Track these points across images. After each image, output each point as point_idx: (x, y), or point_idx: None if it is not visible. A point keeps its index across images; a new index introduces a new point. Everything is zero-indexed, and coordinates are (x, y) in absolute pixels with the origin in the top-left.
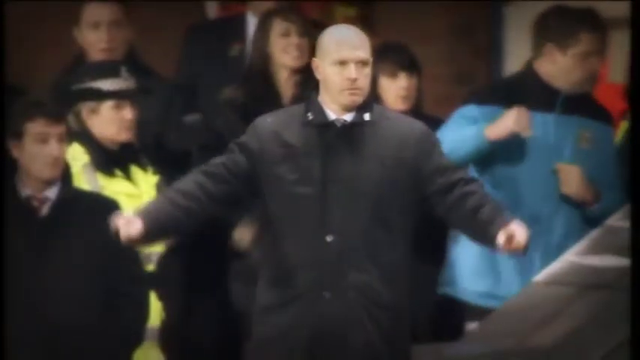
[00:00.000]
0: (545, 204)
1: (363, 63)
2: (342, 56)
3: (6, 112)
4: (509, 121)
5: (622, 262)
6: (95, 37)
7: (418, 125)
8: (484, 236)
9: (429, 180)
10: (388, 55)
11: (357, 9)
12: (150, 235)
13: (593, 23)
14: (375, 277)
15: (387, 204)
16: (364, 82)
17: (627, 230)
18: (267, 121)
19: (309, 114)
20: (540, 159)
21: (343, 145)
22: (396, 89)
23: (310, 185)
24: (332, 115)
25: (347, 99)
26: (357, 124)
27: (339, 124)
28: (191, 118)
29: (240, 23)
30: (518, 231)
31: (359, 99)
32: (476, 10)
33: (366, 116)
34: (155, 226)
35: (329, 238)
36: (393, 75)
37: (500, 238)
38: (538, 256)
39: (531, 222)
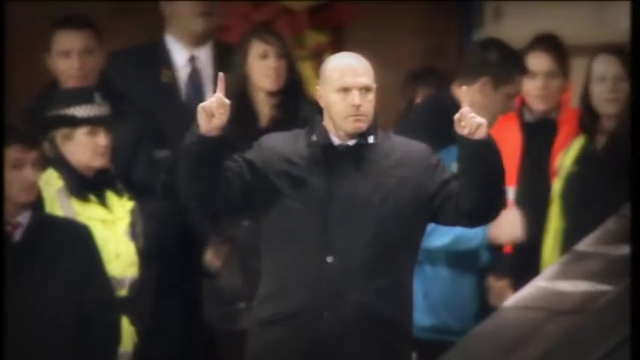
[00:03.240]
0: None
1: (366, 89)
2: (345, 83)
3: (5, 113)
4: (517, 232)
5: (591, 286)
6: (66, 65)
7: (420, 145)
8: (465, 161)
9: (436, 194)
10: (427, 78)
11: (329, 35)
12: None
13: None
14: (376, 297)
15: (390, 224)
16: (368, 108)
17: (596, 255)
18: (272, 139)
19: (314, 136)
20: None
21: (346, 165)
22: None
23: (312, 204)
24: (336, 140)
25: (351, 125)
26: (360, 146)
27: (342, 148)
28: (161, 153)
29: (161, 48)
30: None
31: (363, 125)
32: (446, 35)
33: (370, 139)
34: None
35: (329, 259)
36: None
37: (458, 129)
38: (471, 287)
39: (462, 252)
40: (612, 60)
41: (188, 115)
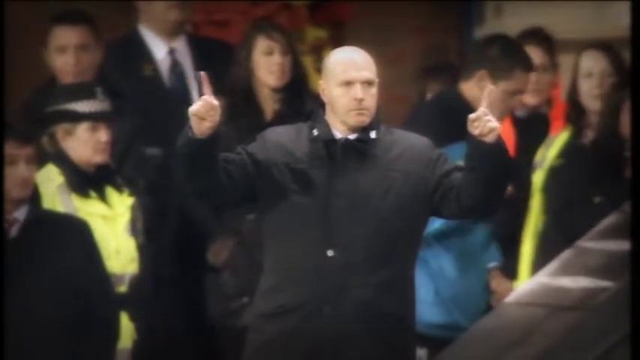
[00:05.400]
0: (479, 232)
1: (369, 83)
2: (348, 77)
3: (5, 112)
4: None
5: (592, 282)
6: (62, 61)
7: (421, 139)
8: (472, 161)
9: (437, 188)
10: (439, 74)
11: (328, 31)
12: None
13: (528, 63)
14: (377, 291)
15: (392, 218)
16: (371, 103)
17: (597, 251)
18: (275, 133)
19: (316, 130)
20: None
21: (348, 160)
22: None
23: (314, 198)
24: (338, 134)
25: (354, 119)
26: (362, 141)
27: (344, 142)
28: (152, 151)
29: (138, 41)
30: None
31: (366, 119)
32: (447, 31)
33: (372, 134)
34: (215, 140)
35: (330, 253)
36: None
37: (471, 129)
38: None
39: (470, 250)
40: (599, 56)
41: (174, 107)
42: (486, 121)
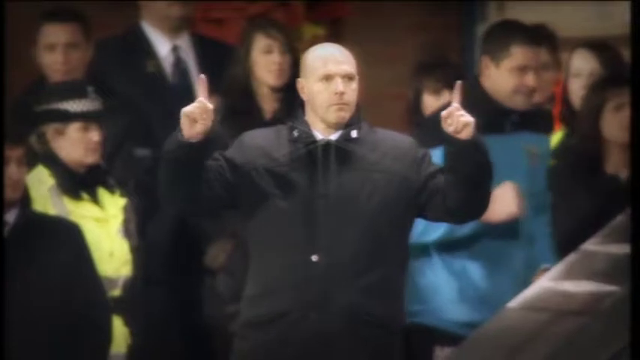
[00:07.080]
0: (510, 230)
1: (349, 77)
2: (328, 71)
3: (5, 113)
4: (512, 208)
5: (596, 287)
6: (51, 59)
7: (406, 139)
8: (451, 161)
9: (422, 189)
10: (434, 71)
11: (326, 28)
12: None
13: (526, 37)
14: (364, 296)
15: (378, 220)
16: (351, 97)
17: (602, 255)
18: (254, 136)
19: (295, 132)
20: (497, 183)
21: (330, 161)
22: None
23: (296, 201)
24: (319, 135)
25: (334, 115)
26: (344, 141)
27: (325, 143)
28: (142, 151)
29: (141, 37)
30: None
31: (346, 115)
32: (447, 29)
33: (353, 133)
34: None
35: (314, 258)
36: (437, 92)
37: (445, 126)
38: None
39: (495, 251)
40: (589, 56)
41: (177, 104)
42: (459, 116)
